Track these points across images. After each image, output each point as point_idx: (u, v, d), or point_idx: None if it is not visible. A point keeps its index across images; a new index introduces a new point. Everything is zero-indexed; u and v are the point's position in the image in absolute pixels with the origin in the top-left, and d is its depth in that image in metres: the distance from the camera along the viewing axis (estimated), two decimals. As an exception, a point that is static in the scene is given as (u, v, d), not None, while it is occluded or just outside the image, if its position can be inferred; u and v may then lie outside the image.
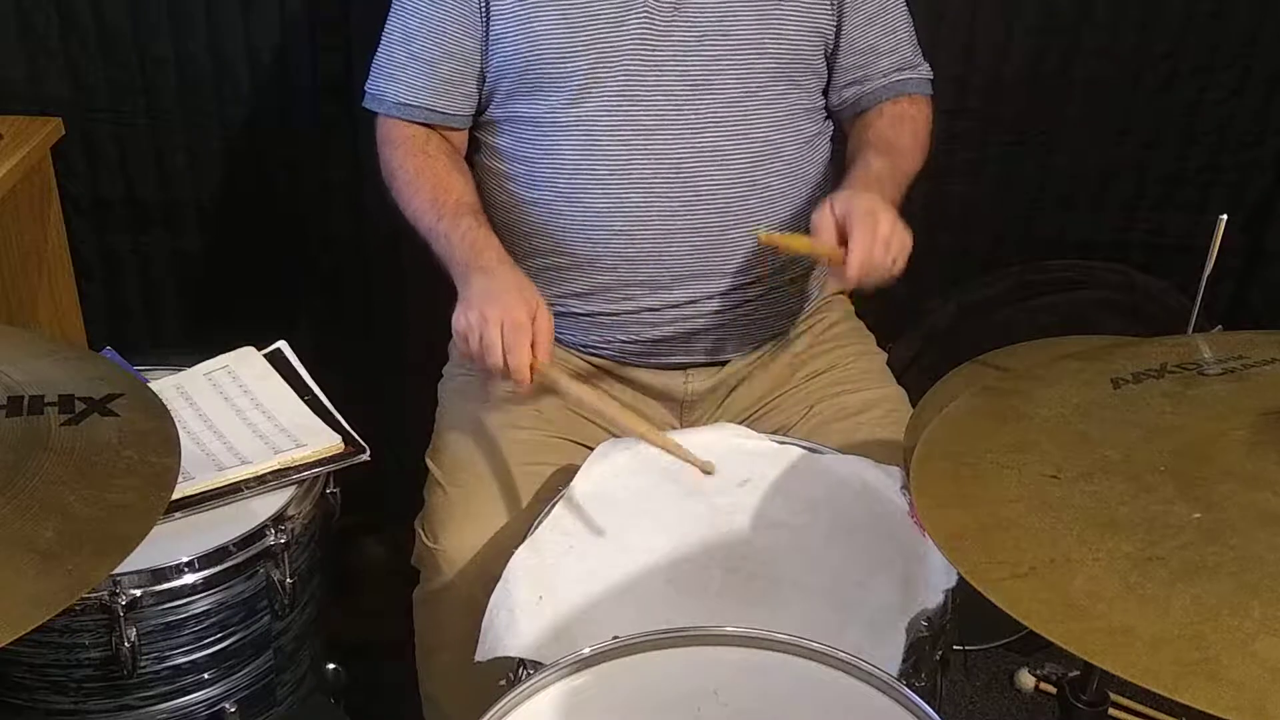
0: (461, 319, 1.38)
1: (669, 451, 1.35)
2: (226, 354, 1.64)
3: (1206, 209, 2.04)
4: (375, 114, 1.58)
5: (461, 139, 1.60)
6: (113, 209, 2.01)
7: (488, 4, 1.48)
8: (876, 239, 1.33)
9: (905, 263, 1.37)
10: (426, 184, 1.51)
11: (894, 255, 1.36)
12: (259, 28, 1.89)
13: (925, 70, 1.63)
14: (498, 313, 1.35)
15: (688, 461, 1.34)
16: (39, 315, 1.96)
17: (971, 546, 0.94)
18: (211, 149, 1.97)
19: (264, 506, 1.45)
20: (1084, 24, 1.93)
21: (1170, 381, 1.10)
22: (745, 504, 1.35)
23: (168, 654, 1.38)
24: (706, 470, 1.35)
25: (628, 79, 1.47)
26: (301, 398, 1.58)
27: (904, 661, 1.17)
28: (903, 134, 1.56)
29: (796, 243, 1.40)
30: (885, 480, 1.36)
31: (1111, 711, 1.21)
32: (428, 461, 1.54)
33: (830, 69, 1.58)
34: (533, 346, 1.34)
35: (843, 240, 1.35)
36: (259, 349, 1.65)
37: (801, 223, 1.56)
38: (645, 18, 1.46)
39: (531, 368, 1.34)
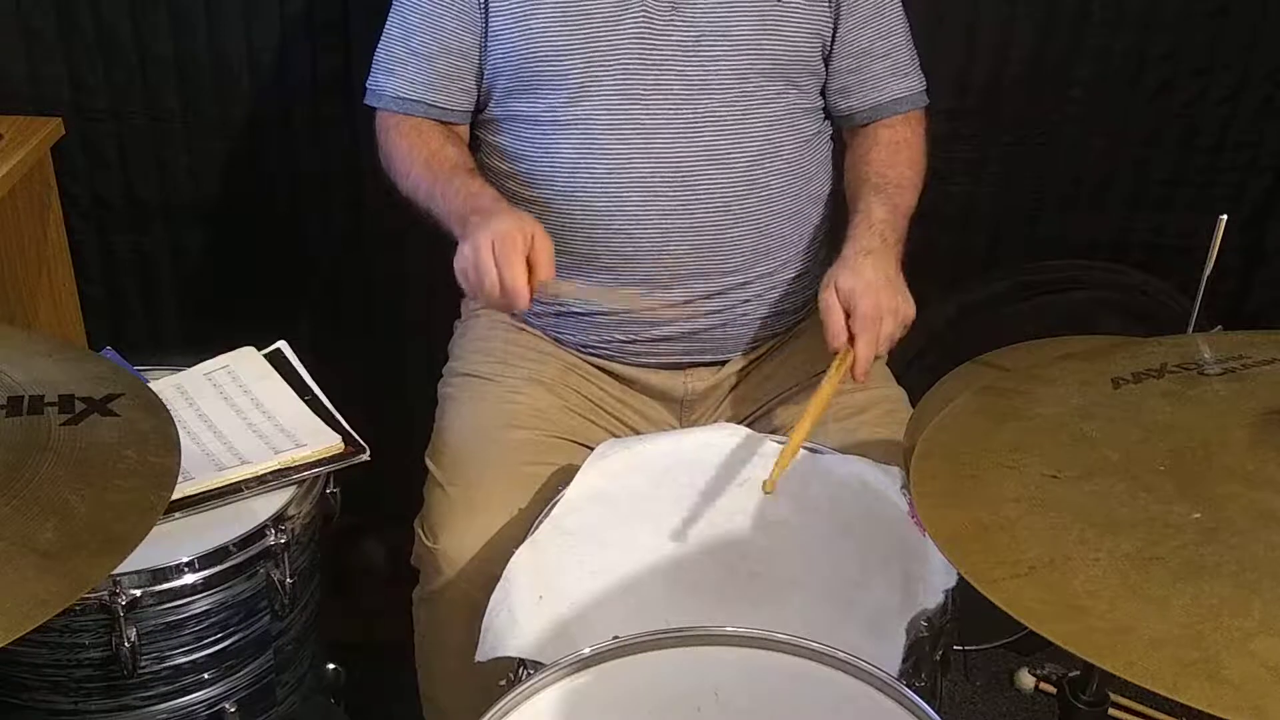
0: (459, 257, 1.38)
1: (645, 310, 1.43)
2: (226, 354, 1.64)
3: (1206, 209, 2.03)
4: (375, 110, 1.58)
5: (463, 133, 1.59)
6: (113, 209, 2.01)
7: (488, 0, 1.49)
8: (880, 342, 1.39)
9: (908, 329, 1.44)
10: (420, 156, 1.51)
11: (896, 340, 1.42)
12: (259, 28, 1.89)
13: (919, 81, 1.63)
14: (489, 236, 1.35)
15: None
16: (39, 315, 1.96)
17: (971, 546, 0.94)
18: (211, 149, 1.97)
19: (264, 506, 1.45)
20: (1084, 24, 1.93)
21: (1170, 381, 1.10)
22: (745, 504, 1.35)
23: (168, 654, 1.38)
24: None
25: (625, 78, 1.47)
26: (301, 398, 1.58)
27: (904, 661, 1.17)
28: (900, 164, 1.57)
29: (816, 409, 1.37)
30: (885, 480, 1.36)
31: (1111, 711, 1.21)
32: (428, 461, 1.54)
33: (826, 72, 1.58)
34: (532, 269, 1.34)
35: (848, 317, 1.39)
36: (259, 349, 1.65)
37: (799, 224, 1.57)
38: (643, 16, 1.47)
39: (532, 289, 1.34)
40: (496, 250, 1.34)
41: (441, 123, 1.56)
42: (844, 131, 1.64)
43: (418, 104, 1.54)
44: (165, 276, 2.07)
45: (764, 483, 1.28)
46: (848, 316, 1.39)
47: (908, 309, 1.42)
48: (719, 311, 1.56)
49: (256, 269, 2.07)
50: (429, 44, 1.52)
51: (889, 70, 1.59)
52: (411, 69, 1.54)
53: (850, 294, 1.39)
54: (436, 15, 1.51)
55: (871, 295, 1.39)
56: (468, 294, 1.41)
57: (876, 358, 1.41)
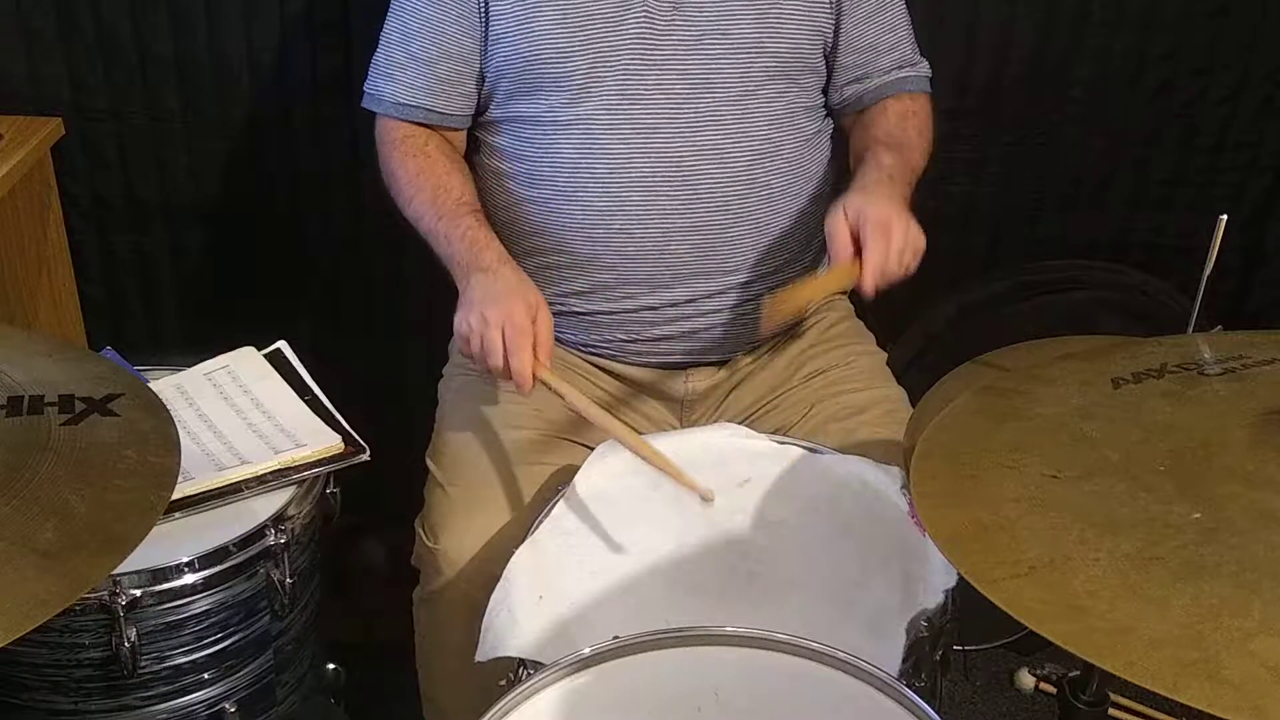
0: (463, 321, 1.38)
1: (667, 474, 1.32)
2: (226, 354, 1.64)
3: (1206, 209, 2.04)
4: (374, 114, 1.58)
5: (460, 138, 1.60)
6: (113, 209, 2.01)
7: (487, 4, 1.49)
8: (890, 251, 1.35)
9: (918, 263, 1.39)
10: (427, 184, 1.51)
11: (907, 262, 1.38)
12: (259, 28, 1.89)
13: (925, 68, 1.63)
14: (498, 314, 1.35)
15: (685, 486, 1.32)
16: (39, 315, 1.96)
17: (971, 546, 0.94)
18: (211, 149, 1.97)
19: (264, 506, 1.45)
20: (1084, 24, 1.94)
21: (1170, 381, 1.10)
22: (745, 504, 1.35)
23: (168, 654, 1.38)
24: (706, 498, 1.32)
25: (627, 78, 1.47)
26: (301, 398, 1.58)
27: (904, 661, 1.17)
28: (909, 129, 1.57)
29: (808, 292, 1.41)
30: (885, 480, 1.36)
31: (1111, 711, 1.21)
32: (428, 461, 1.54)
33: (830, 68, 1.59)
34: (534, 349, 1.35)
35: (856, 244, 1.36)
36: (259, 349, 1.65)
37: (800, 223, 1.57)
38: (644, 16, 1.47)
39: (534, 372, 1.34)
40: (507, 337, 1.34)
41: (442, 131, 1.56)
42: (847, 118, 1.64)
43: (418, 109, 1.54)
44: (165, 276, 2.07)
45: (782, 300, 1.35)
46: (856, 245, 1.37)
47: (918, 237, 1.40)
48: (720, 311, 1.56)
49: (256, 269, 2.07)
50: (429, 49, 1.52)
51: (895, 63, 1.60)
52: (411, 74, 1.53)
53: (860, 211, 1.37)
54: (436, 20, 1.51)
55: (881, 209, 1.37)
56: (463, 355, 1.42)
57: (885, 303, 1.39)
